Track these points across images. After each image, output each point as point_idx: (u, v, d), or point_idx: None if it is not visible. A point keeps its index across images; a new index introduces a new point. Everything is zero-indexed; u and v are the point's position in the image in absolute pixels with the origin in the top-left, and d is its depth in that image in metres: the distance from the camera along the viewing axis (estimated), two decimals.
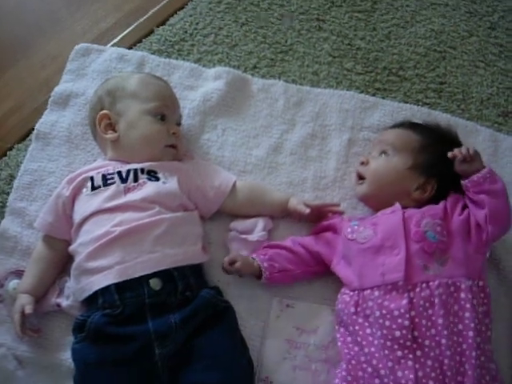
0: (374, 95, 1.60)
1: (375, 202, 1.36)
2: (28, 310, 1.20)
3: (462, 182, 1.26)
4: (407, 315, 1.13)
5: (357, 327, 1.19)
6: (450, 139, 1.38)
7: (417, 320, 1.13)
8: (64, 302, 1.26)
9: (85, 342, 1.16)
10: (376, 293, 1.18)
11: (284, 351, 1.27)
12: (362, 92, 1.61)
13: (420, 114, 1.54)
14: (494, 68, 1.69)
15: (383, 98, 1.60)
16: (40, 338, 1.26)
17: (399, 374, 1.11)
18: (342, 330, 1.24)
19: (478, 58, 1.70)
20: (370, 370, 1.15)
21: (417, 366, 1.11)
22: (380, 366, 1.13)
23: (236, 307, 1.27)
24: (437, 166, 1.31)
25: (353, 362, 1.18)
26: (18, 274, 1.31)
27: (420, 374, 1.11)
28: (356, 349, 1.19)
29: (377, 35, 1.72)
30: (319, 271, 1.33)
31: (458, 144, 1.37)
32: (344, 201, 1.44)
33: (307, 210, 1.31)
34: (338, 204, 1.38)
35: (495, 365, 1.18)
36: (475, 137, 1.54)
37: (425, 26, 1.75)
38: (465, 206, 1.28)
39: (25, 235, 1.37)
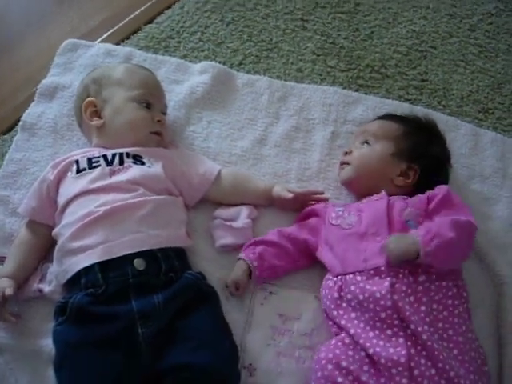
0: (356, 91, 1.64)
1: (358, 186, 1.37)
2: (8, 291, 1.18)
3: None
4: (388, 296, 1.13)
5: (341, 311, 1.19)
6: (430, 127, 1.41)
7: (400, 304, 1.12)
8: (46, 288, 1.25)
9: (66, 324, 1.14)
10: (358, 277, 1.19)
11: (268, 338, 1.26)
12: (345, 88, 1.64)
13: (401, 109, 1.57)
14: (474, 67, 1.74)
15: (366, 94, 1.63)
16: (19, 325, 1.24)
17: (391, 350, 1.10)
18: (327, 315, 1.23)
19: (458, 58, 1.75)
20: (359, 349, 1.14)
21: (409, 343, 1.11)
22: (368, 345, 1.12)
23: (220, 294, 1.26)
24: (418, 151, 1.34)
25: (339, 344, 1.16)
26: (0, 260, 1.30)
27: (412, 351, 1.10)
28: (343, 333, 1.18)
29: (359, 35, 1.76)
30: (306, 264, 1.34)
31: (437, 131, 1.41)
32: (327, 191, 1.45)
33: (290, 195, 1.33)
34: (322, 191, 1.39)
35: (483, 350, 1.18)
36: (456, 131, 1.57)
37: (406, 27, 1.80)
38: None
39: (7, 222, 1.36)
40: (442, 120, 1.55)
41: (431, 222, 1.19)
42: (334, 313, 1.20)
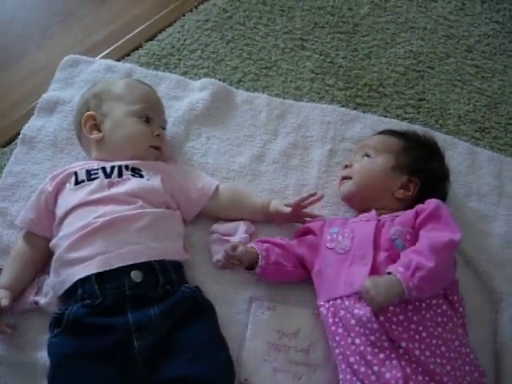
0: (354, 109, 1.65)
1: (359, 200, 1.37)
2: (4, 302, 1.18)
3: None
4: (373, 318, 1.12)
5: (337, 337, 1.18)
6: (429, 143, 1.43)
7: (387, 325, 1.12)
8: (42, 300, 1.24)
9: (62, 335, 1.14)
10: (346, 302, 1.18)
11: (264, 353, 1.26)
12: (343, 106, 1.65)
13: (399, 127, 1.57)
14: (471, 87, 1.75)
15: (364, 112, 1.65)
16: (14, 337, 1.23)
17: (387, 375, 1.08)
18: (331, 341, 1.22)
19: (456, 78, 1.77)
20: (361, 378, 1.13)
21: (403, 363, 1.09)
22: (364, 375, 1.11)
23: (217, 309, 1.26)
24: (418, 166, 1.34)
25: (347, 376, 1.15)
26: None
27: (408, 370, 1.09)
28: (344, 363, 1.17)
29: (358, 55, 1.78)
30: (306, 275, 1.32)
31: (437, 147, 1.42)
32: (325, 208, 1.46)
33: (288, 210, 1.34)
34: (315, 193, 1.37)
35: (479, 362, 1.17)
36: (453, 149, 1.58)
37: (404, 48, 1.82)
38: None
39: (5, 234, 1.36)
40: (440, 138, 1.55)
41: (409, 250, 1.16)
42: (336, 338, 1.19)
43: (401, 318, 1.13)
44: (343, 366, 1.16)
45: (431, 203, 1.24)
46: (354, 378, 1.13)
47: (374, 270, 1.17)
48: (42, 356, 1.20)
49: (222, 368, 1.15)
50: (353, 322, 1.15)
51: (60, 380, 1.11)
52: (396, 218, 1.26)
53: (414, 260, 1.10)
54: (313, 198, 1.37)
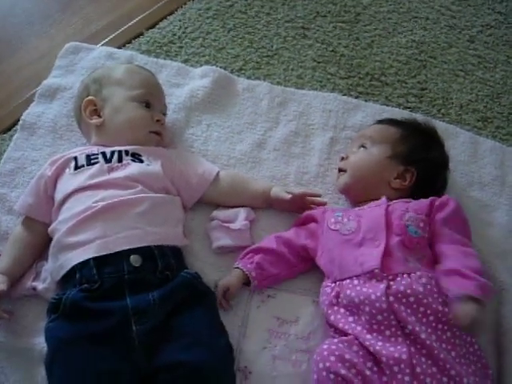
0: (356, 98, 1.64)
1: (356, 192, 1.37)
2: (1, 287, 1.17)
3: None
4: (383, 298, 1.12)
5: (338, 316, 1.17)
6: (428, 131, 1.41)
7: (395, 306, 1.11)
8: (40, 285, 1.23)
9: (59, 320, 1.12)
10: (355, 281, 1.17)
11: (264, 341, 1.25)
12: (344, 95, 1.64)
13: (401, 116, 1.55)
14: (473, 77, 1.75)
15: (365, 101, 1.64)
16: (11, 323, 1.22)
17: (391, 348, 1.08)
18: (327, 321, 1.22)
19: (458, 68, 1.76)
20: (362, 347, 1.12)
21: (407, 342, 1.09)
22: (368, 343, 1.10)
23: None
24: (415, 155, 1.33)
25: (343, 339, 1.14)
26: None
27: (412, 349, 1.09)
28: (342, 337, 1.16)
29: (360, 44, 1.78)
30: (305, 268, 1.32)
31: (436, 135, 1.41)
32: (326, 196, 1.44)
33: (288, 196, 1.32)
34: (320, 194, 1.39)
35: (483, 353, 1.17)
36: (455, 139, 1.57)
37: (406, 37, 1.81)
38: None
39: (4, 220, 1.35)
40: (441, 127, 1.55)
41: (466, 264, 1.15)
42: (332, 318, 1.18)
43: (411, 299, 1.12)
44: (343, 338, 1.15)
45: (452, 201, 1.27)
46: (355, 348, 1.12)
47: (387, 252, 1.18)
48: (40, 342, 1.19)
49: (221, 354, 1.13)
50: (357, 300, 1.14)
51: (57, 365, 1.09)
52: (407, 204, 1.26)
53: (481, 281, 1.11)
54: (316, 199, 1.37)
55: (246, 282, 1.27)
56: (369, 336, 1.12)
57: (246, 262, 1.28)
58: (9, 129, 1.54)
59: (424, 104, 1.66)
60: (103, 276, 1.13)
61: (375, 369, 1.09)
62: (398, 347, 1.09)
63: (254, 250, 1.30)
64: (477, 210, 1.45)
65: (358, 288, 1.16)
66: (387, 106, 1.63)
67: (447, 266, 1.16)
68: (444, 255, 1.20)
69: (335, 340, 1.13)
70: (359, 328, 1.14)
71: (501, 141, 1.61)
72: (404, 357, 1.07)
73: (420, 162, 1.33)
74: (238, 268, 1.28)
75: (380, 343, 1.10)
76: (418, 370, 1.07)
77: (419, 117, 1.57)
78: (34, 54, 1.73)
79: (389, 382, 1.07)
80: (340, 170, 1.41)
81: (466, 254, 1.19)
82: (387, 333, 1.11)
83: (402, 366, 1.06)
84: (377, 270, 1.15)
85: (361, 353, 1.10)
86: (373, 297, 1.13)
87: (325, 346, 1.12)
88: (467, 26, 1.86)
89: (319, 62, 1.72)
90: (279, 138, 1.54)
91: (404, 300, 1.12)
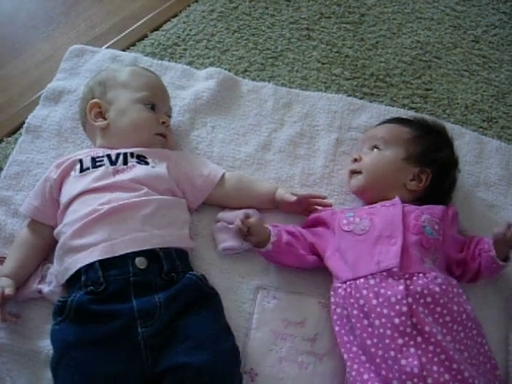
0: (361, 99, 1.63)
1: (371, 194, 1.35)
2: (8, 291, 1.16)
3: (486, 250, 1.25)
4: (404, 301, 1.11)
5: (353, 320, 1.16)
6: (438, 129, 1.41)
7: (414, 306, 1.11)
8: (45, 288, 1.23)
9: (65, 323, 1.12)
10: (371, 281, 1.16)
11: (270, 343, 1.24)
12: (349, 96, 1.64)
13: (407, 116, 1.56)
14: (478, 77, 1.74)
15: (370, 102, 1.63)
16: (18, 326, 1.23)
17: (403, 362, 1.07)
18: (338, 327, 1.20)
19: (463, 68, 1.76)
20: (372, 367, 1.11)
21: (419, 352, 1.08)
22: (382, 358, 1.10)
23: (222, 298, 1.24)
24: (429, 156, 1.33)
25: (356, 361, 1.14)
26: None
27: (423, 359, 1.07)
28: (355, 348, 1.15)
29: (364, 45, 1.77)
30: (313, 263, 1.30)
31: (446, 135, 1.40)
32: (331, 197, 1.44)
33: (294, 198, 1.32)
34: (325, 196, 1.38)
35: (493, 354, 1.17)
36: (461, 139, 1.56)
37: (411, 38, 1.81)
38: None
39: (9, 223, 1.35)
40: (448, 127, 1.52)
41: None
42: (346, 321, 1.17)
43: (428, 299, 1.12)
44: (354, 350, 1.15)
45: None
46: (367, 365, 1.12)
47: (405, 250, 1.18)
48: (46, 345, 1.20)
49: (226, 357, 1.13)
50: (375, 302, 1.13)
51: (63, 367, 1.09)
52: (421, 208, 1.26)
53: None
54: (321, 201, 1.37)
55: (265, 241, 1.24)
56: (380, 345, 1.10)
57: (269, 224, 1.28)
58: (13, 132, 1.54)
59: (429, 104, 1.66)
60: (109, 278, 1.13)
61: None
62: (410, 360, 1.07)
63: (273, 225, 1.29)
64: (483, 210, 1.45)
65: (376, 289, 1.14)
66: (392, 106, 1.62)
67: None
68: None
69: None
70: (376, 332, 1.12)
71: (506, 141, 1.60)
72: (416, 370, 1.06)
73: (433, 163, 1.33)
74: None
75: (392, 353, 1.09)
76: (430, 381, 1.06)
77: (425, 117, 1.57)
78: (38, 56, 1.73)
79: None
80: (353, 172, 1.39)
81: None
82: (399, 341, 1.09)
83: (415, 380, 1.06)
84: (395, 269, 1.15)
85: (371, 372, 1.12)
86: (393, 299, 1.12)
87: None
88: (472, 26, 1.86)
89: (324, 63, 1.71)
90: (284, 140, 1.53)
91: (422, 300, 1.12)
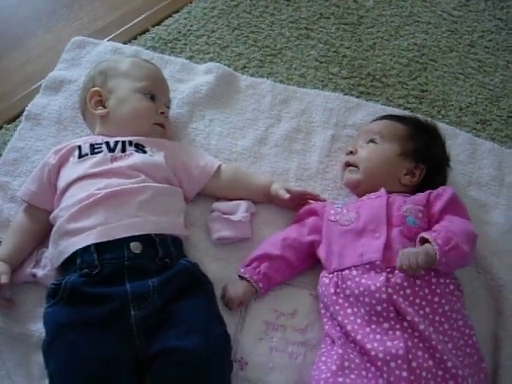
0: (357, 98, 1.66)
1: (365, 188, 1.36)
2: (4, 279, 1.18)
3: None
4: (383, 289, 1.13)
5: (337, 307, 1.18)
6: (431, 127, 1.44)
7: (394, 297, 1.12)
8: (40, 272, 1.24)
9: (58, 305, 1.13)
10: (354, 272, 1.19)
11: (261, 332, 1.26)
12: (346, 94, 1.66)
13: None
14: (473, 80, 1.77)
15: (366, 100, 1.65)
16: (10, 309, 1.23)
17: (388, 343, 1.09)
18: (324, 312, 1.23)
19: (458, 71, 1.78)
20: (357, 347, 1.13)
21: (405, 335, 1.10)
22: (366, 340, 1.11)
23: (216, 287, 1.26)
24: (424, 151, 1.36)
25: (339, 342, 1.16)
26: None
27: (409, 343, 1.09)
28: (339, 330, 1.17)
29: (362, 46, 1.80)
30: (306, 267, 1.33)
31: (438, 132, 1.43)
32: (326, 192, 1.47)
33: (287, 195, 1.33)
34: (318, 194, 1.40)
35: (479, 346, 1.18)
36: (454, 139, 1.58)
37: (408, 40, 1.83)
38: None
39: (6, 208, 1.37)
40: (442, 128, 1.55)
41: (447, 225, 1.19)
42: (331, 309, 1.19)
43: (408, 291, 1.13)
44: (334, 335, 1.17)
45: (447, 190, 1.28)
46: (352, 345, 1.14)
47: (387, 245, 1.19)
48: (38, 328, 1.20)
49: (217, 342, 1.14)
50: (357, 291, 1.16)
51: (55, 349, 1.10)
52: (405, 197, 1.28)
53: (453, 239, 1.13)
54: (314, 197, 1.39)
55: (252, 292, 1.27)
56: (367, 329, 1.13)
57: (252, 272, 1.27)
58: (13, 119, 1.56)
59: (424, 105, 1.68)
60: (103, 261, 1.14)
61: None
62: (395, 342, 1.09)
63: (259, 258, 1.29)
64: (475, 210, 1.46)
65: (358, 279, 1.17)
66: (388, 106, 1.65)
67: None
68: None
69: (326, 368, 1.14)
70: (358, 320, 1.15)
71: (499, 143, 1.62)
72: (401, 352, 1.08)
73: (428, 159, 1.35)
74: (244, 279, 1.27)
75: (378, 336, 1.11)
76: (414, 364, 1.07)
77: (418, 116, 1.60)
78: (40, 47, 1.75)
79: (386, 378, 1.07)
80: (348, 165, 1.40)
81: (453, 220, 1.22)
82: (385, 325, 1.12)
83: (399, 361, 1.07)
84: (378, 262, 1.17)
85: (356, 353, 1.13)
86: (372, 288, 1.14)
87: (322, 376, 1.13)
88: (468, 31, 1.89)
89: (322, 62, 1.74)
90: (281, 135, 1.55)
91: (401, 292, 1.13)
